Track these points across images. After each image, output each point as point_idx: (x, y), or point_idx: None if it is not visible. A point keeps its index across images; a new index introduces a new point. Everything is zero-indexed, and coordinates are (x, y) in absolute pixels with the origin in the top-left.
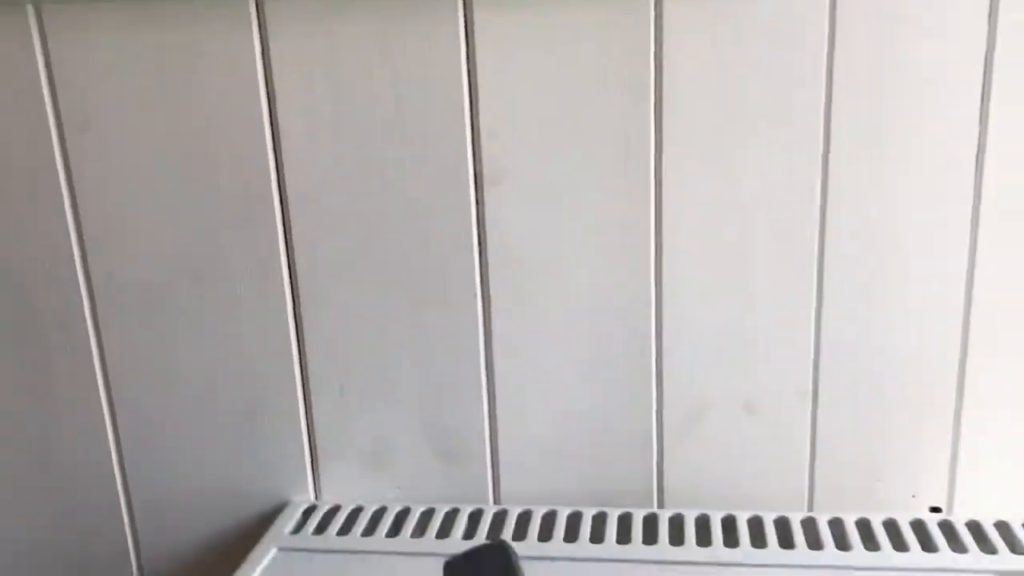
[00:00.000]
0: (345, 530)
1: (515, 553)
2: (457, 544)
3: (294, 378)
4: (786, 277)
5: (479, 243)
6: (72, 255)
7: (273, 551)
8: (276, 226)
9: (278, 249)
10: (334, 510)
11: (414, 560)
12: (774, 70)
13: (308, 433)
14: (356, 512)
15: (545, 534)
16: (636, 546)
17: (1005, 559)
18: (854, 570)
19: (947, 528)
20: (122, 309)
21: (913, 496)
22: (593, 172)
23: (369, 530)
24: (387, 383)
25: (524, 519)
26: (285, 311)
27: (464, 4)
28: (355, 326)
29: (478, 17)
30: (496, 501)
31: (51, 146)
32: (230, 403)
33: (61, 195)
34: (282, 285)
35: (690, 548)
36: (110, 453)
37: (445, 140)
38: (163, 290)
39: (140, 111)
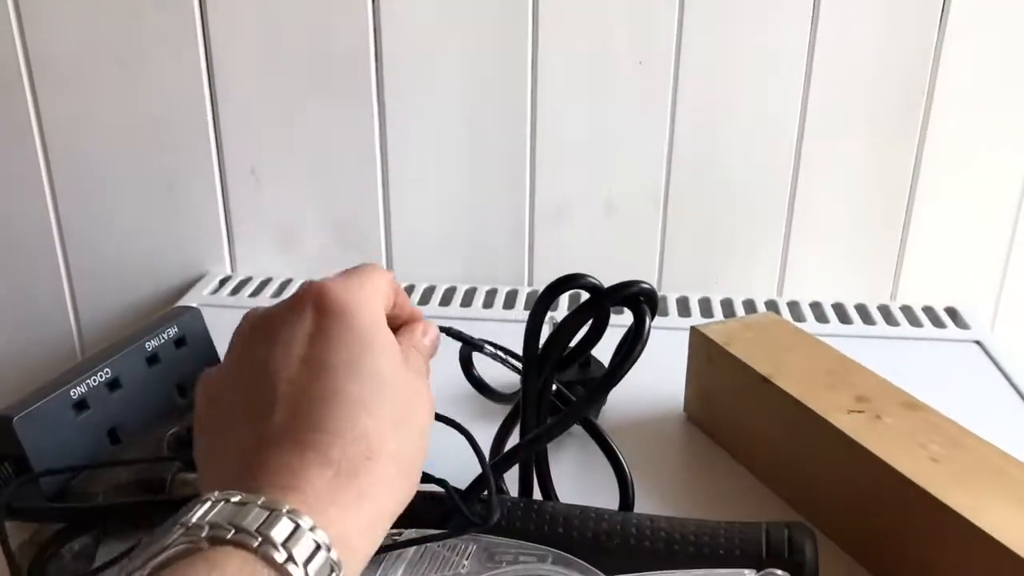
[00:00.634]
0: (256, 294)
1: None
2: None
3: (211, 158)
4: (644, 96)
5: (375, 46)
6: (12, 34)
7: (194, 303)
8: (195, 15)
9: (196, 39)
10: (246, 280)
11: None
12: None
13: (224, 212)
14: (266, 282)
15: (424, 299)
16: (497, 309)
17: (812, 325)
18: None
19: (772, 307)
20: (57, 84)
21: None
22: None
23: (278, 294)
24: (294, 172)
25: (407, 290)
26: (203, 96)
27: None
28: (265, 115)
29: None
30: None
31: None
32: (153, 180)
33: None
34: (200, 73)
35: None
36: (50, 222)
37: None
38: (92, 69)
39: None
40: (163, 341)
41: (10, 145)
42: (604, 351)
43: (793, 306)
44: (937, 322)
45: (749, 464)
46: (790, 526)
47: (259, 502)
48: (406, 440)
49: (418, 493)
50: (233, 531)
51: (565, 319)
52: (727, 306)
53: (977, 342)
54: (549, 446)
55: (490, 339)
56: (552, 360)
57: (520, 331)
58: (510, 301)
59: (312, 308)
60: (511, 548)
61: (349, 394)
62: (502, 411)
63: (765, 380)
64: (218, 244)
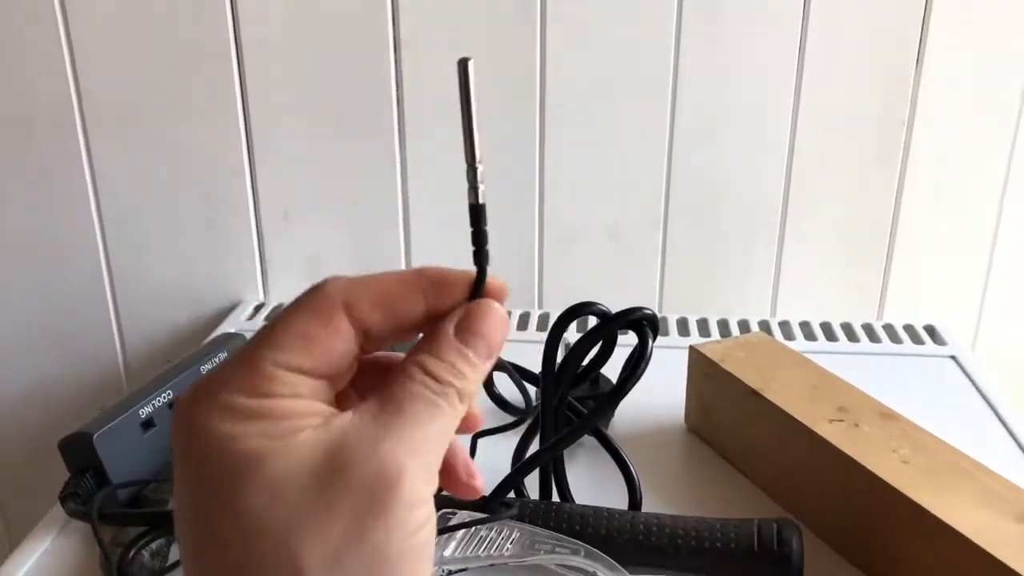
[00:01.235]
0: None
1: None
2: None
3: (247, 198)
4: (645, 122)
5: (397, 91)
6: (68, 84)
7: (232, 329)
8: (233, 75)
9: (234, 90)
10: (279, 306)
11: None
12: None
13: (258, 245)
14: None
15: None
16: (512, 331)
17: (800, 344)
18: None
19: (764, 326)
20: (107, 128)
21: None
22: (487, 36)
23: None
24: (322, 208)
25: None
26: (240, 142)
27: None
28: (296, 158)
29: None
30: None
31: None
32: (194, 215)
33: (59, 34)
34: (237, 121)
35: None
36: (99, 255)
37: (370, 8)
38: (142, 115)
39: None
40: (215, 365)
41: (63, 184)
42: (612, 370)
43: (784, 325)
44: (916, 339)
45: (743, 469)
46: (779, 522)
47: None
48: None
49: None
50: None
51: (578, 341)
52: (723, 326)
53: (952, 357)
54: (564, 454)
55: (508, 359)
56: (567, 377)
57: (533, 350)
58: (523, 323)
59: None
60: (549, 539)
61: None
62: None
63: (756, 394)
64: (252, 274)
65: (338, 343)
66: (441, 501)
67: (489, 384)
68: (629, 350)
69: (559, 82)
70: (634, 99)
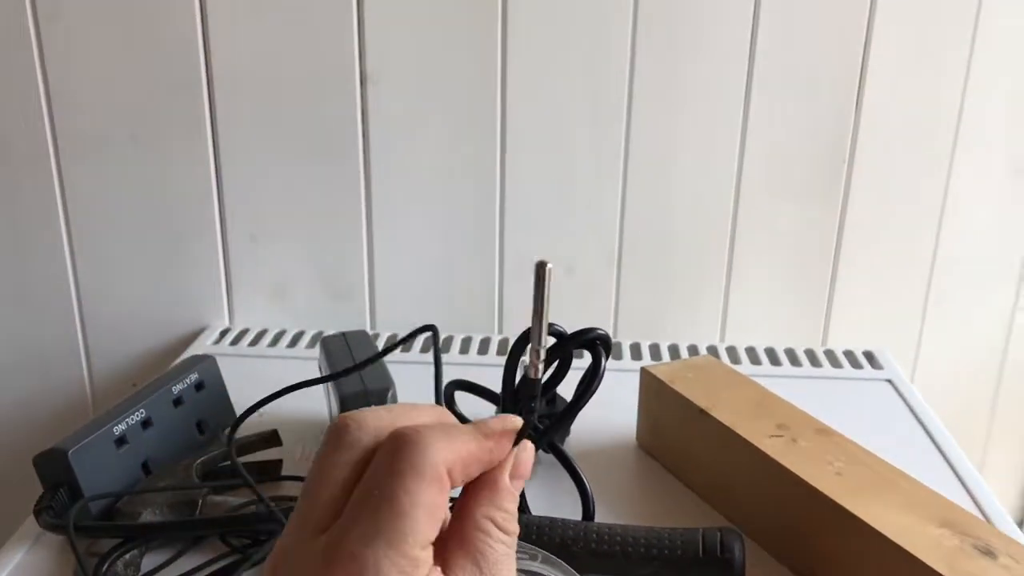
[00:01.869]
0: (254, 343)
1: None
2: None
3: (214, 224)
4: (599, 168)
5: (363, 124)
6: (42, 112)
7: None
8: (203, 102)
9: (205, 119)
10: (244, 331)
11: (308, 362)
12: None
13: (225, 271)
14: (262, 332)
15: (407, 347)
16: (472, 355)
17: (746, 367)
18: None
19: (712, 351)
20: (79, 155)
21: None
22: (449, 74)
23: (273, 343)
24: (288, 234)
25: (392, 339)
26: (208, 170)
27: None
28: (263, 185)
29: None
30: (372, 328)
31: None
32: (161, 242)
33: (34, 67)
34: (206, 148)
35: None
36: (68, 280)
37: (337, 45)
38: (111, 143)
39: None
40: (186, 385)
41: (36, 209)
42: (567, 392)
43: (731, 350)
44: (855, 363)
45: (690, 483)
46: (722, 531)
47: None
48: None
49: None
50: None
51: None
52: (673, 351)
53: (888, 380)
54: None
55: (470, 379)
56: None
57: (493, 373)
58: (484, 347)
59: None
60: None
61: None
62: None
63: (703, 412)
64: (218, 299)
65: (447, 503)
66: None
67: (451, 403)
68: (582, 373)
69: (518, 126)
70: (590, 142)
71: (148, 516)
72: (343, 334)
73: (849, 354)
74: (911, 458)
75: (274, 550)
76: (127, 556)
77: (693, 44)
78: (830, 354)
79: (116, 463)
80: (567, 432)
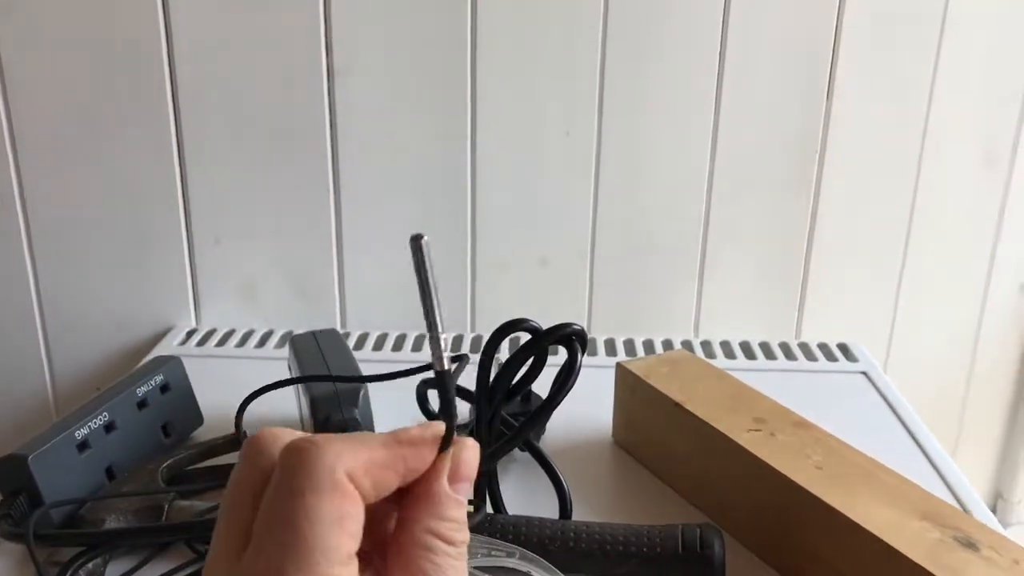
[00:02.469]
0: (221, 344)
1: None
2: None
3: (179, 224)
4: (571, 165)
5: (331, 120)
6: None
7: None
8: (167, 101)
9: (168, 118)
10: (211, 332)
11: (277, 362)
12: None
13: (191, 271)
14: (230, 333)
15: (378, 346)
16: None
17: (721, 362)
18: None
19: (687, 346)
20: (38, 155)
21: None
22: (419, 67)
23: (240, 344)
24: (255, 233)
25: (363, 337)
26: (173, 168)
27: None
28: (229, 184)
29: None
30: (343, 328)
31: None
32: (125, 241)
33: None
34: (170, 147)
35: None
36: (28, 281)
37: (305, 39)
38: (72, 142)
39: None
40: (151, 387)
41: None
42: (542, 389)
43: (706, 345)
44: (830, 356)
45: (667, 478)
46: (701, 527)
47: None
48: None
49: None
50: None
51: (511, 356)
52: (648, 346)
53: (863, 373)
54: (498, 467)
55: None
56: (501, 390)
57: (467, 371)
58: (456, 345)
59: None
60: (484, 544)
61: None
62: None
63: (678, 406)
64: (184, 299)
65: (361, 513)
66: None
67: (423, 401)
68: (557, 370)
69: (489, 122)
70: (561, 135)
71: (112, 523)
72: (313, 333)
73: (824, 347)
74: (888, 449)
75: (204, 570)
76: (90, 565)
77: (664, 39)
78: (804, 347)
79: (78, 468)
80: (543, 429)
